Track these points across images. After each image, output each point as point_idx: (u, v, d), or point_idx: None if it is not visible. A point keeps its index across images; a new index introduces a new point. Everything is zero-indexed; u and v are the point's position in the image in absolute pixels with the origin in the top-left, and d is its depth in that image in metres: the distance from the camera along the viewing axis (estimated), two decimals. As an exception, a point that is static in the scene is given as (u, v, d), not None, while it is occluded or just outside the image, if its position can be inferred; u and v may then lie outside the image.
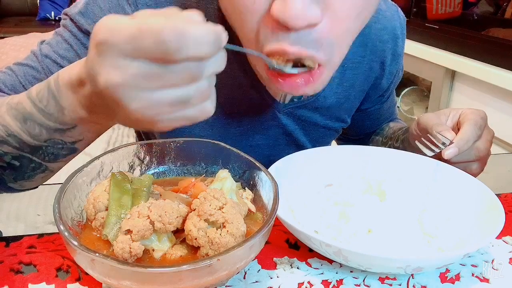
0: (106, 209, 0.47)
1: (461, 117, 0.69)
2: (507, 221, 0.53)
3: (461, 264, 0.56)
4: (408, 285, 0.52)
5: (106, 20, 0.37)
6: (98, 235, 0.46)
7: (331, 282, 0.52)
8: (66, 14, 0.64)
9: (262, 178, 0.52)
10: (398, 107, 2.41)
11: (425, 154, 0.67)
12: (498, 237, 0.59)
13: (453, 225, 0.58)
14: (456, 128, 0.69)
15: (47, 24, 3.66)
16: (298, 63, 0.53)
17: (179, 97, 0.38)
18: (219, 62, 0.40)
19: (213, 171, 0.57)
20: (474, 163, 0.69)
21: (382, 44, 0.78)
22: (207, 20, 0.66)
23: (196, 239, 0.44)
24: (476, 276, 0.54)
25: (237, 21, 0.53)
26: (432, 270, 0.54)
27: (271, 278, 0.52)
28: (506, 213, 0.54)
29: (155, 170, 0.58)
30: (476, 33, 1.96)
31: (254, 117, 0.73)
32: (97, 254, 0.38)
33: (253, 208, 0.52)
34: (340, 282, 0.52)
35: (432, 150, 0.66)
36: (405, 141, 0.81)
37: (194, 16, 0.38)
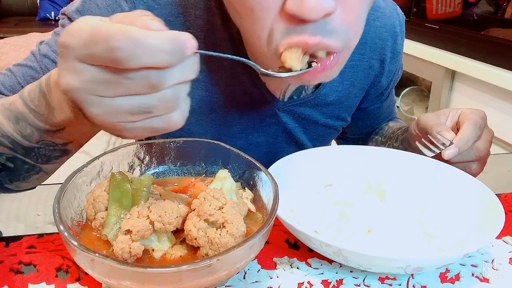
0: (106, 209, 0.47)
1: (460, 117, 0.69)
2: (507, 221, 0.53)
3: (461, 264, 0.56)
4: (408, 285, 0.52)
5: (75, 22, 0.37)
6: (98, 235, 0.46)
7: (331, 282, 0.52)
8: (63, 14, 0.65)
9: (262, 178, 0.52)
10: (398, 107, 2.41)
11: (425, 155, 0.67)
12: (498, 237, 0.59)
13: (453, 225, 0.58)
14: (456, 128, 0.69)
15: (47, 24, 3.66)
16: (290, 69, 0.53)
17: (139, 106, 0.37)
18: (186, 71, 0.38)
19: (213, 171, 0.57)
20: (473, 163, 0.69)
21: (382, 41, 0.79)
22: (205, 17, 0.66)
23: (196, 239, 0.44)
24: (476, 276, 0.54)
25: (248, 19, 0.52)
26: (432, 270, 0.54)
27: (271, 278, 0.52)
28: (506, 213, 0.54)
29: (155, 170, 0.58)
30: (476, 33, 1.96)
31: (254, 115, 0.73)
32: (97, 254, 0.38)
33: (253, 208, 0.52)
34: (340, 282, 0.52)
35: (432, 151, 0.66)
36: (405, 141, 0.81)
37: (153, 23, 0.36)
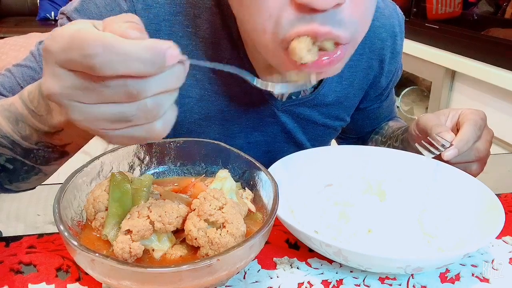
0: (106, 209, 0.47)
1: (460, 118, 0.69)
2: (507, 221, 0.53)
3: (461, 264, 0.56)
4: (408, 285, 0.52)
5: (63, 26, 0.37)
6: (98, 235, 0.46)
7: (331, 282, 0.52)
8: (62, 13, 0.64)
9: (262, 178, 0.52)
10: (398, 107, 2.41)
11: (424, 156, 0.68)
12: (498, 237, 0.59)
13: (453, 225, 0.58)
14: (456, 129, 0.69)
15: (47, 24, 3.66)
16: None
17: (117, 114, 0.37)
18: (168, 80, 0.37)
19: (213, 171, 0.57)
20: (474, 164, 0.69)
21: (381, 42, 0.78)
22: (204, 16, 0.65)
23: (196, 239, 0.44)
24: (476, 276, 0.54)
25: (253, 8, 0.51)
26: (432, 270, 0.54)
27: (271, 278, 0.52)
28: (506, 213, 0.54)
29: (155, 170, 0.58)
30: (476, 33, 1.96)
31: (253, 114, 0.73)
32: (97, 254, 0.38)
33: (253, 208, 0.52)
34: (340, 282, 0.52)
35: (432, 152, 0.66)
36: (405, 141, 0.81)
37: (132, 31, 0.36)
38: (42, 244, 0.55)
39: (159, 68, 0.35)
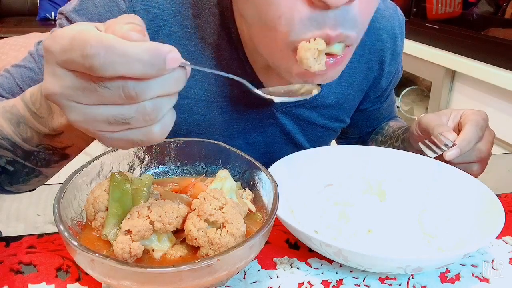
0: (106, 209, 0.47)
1: (462, 118, 0.69)
2: (507, 221, 0.53)
3: (461, 264, 0.56)
4: (408, 285, 0.52)
5: (64, 27, 0.37)
6: (98, 235, 0.46)
7: (331, 282, 0.52)
8: (61, 13, 0.64)
9: (262, 178, 0.52)
10: (398, 107, 2.41)
11: (427, 156, 0.68)
12: (498, 237, 0.59)
13: (453, 225, 0.58)
14: (457, 129, 0.69)
15: (47, 24, 3.65)
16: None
17: (116, 116, 0.36)
18: (168, 84, 0.37)
19: (213, 171, 0.57)
20: (475, 164, 0.69)
21: (381, 43, 0.78)
22: (203, 16, 0.65)
23: (196, 239, 0.44)
24: (476, 276, 0.54)
25: (263, 8, 0.51)
26: (432, 270, 0.54)
27: (271, 278, 0.52)
28: (506, 213, 0.54)
29: (155, 170, 0.58)
30: (476, 33, 1.96)
31: (252, 115, 0.73)
32: (97, 254, 0.38)
33: (253, 208, 0.52)
34: (340, 282, 0.52)
35: (435, 152, 0.66)
36: (405, 141, 0.81)
37: (133, 33, 0.36)
38: (42, 244, 0.55)
39: (158, 70, 0.35)
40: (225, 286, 0.50)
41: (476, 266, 0.55)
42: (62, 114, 0.47)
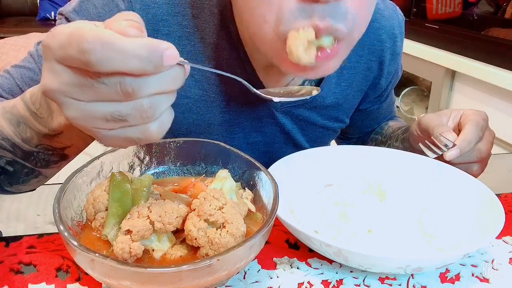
0: (106, 209, 0.47)
1: (462, 118, 0.69)
2: (507, 221, 0.53)
3: (461, 264, 0.56)
4: (408, 285, 0.52)
5: (64, 25, 0.37)
6: (98, 235, 0.46)
7: (331, 282, 0.52)
8: (61, 14, 0.64)
9: (262, 178, 0.52)
10: (398, 107, 2.41)
11: (427, 156, 0.68)
12: (498, 237, 0.59)
13: (453, 225, 0.58)
14: (457, 129, 0.69)
15: (47, 24, 3.66)
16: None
17: (113, 112, 0.36)
18: (165, 81, 0.37)
19: (213, 171, 0.57)
20: (475, 164, 0.69)
21: (380, 43, 0.78)
22: (203, 17, 0.65)
23: (196, 239, 0.44)
24: (476, 276, 0.54)
25: (253, 1, 0.52)
26: (432, 270, 0.54)
27: (271, 278, 0.52)
28: (506, 213, 0.54)
29: (155, 170, 0.58)
30: (476, 33, 1.96)
31: (252, 114, 0.73)
32: (97, 254, 0.38)
33: (253, 208, 0.52)
34: (340, 282, 0.52)
35: (435, 152, 0.66)
36: (405, 141, 0.81)
37: (130, 29, 0.36)
38: (42, 244, 0.55)
39: (156, 67, 0.35)
40: (225, 286, 0.50)
41: (476, 266, 0.55)
42: (62, 114, 0.47)
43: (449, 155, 0.64)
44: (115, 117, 0.37)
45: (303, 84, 0.74)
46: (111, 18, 0.37)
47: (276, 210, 0.46)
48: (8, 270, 0.51)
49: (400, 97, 2.48)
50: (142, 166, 0.57)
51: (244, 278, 0.51)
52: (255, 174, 0.54)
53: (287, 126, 0.77)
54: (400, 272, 0.50)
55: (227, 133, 0.74)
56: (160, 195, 0.50)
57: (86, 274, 0.44)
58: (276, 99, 0.52)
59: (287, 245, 0.58)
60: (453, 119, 0.71)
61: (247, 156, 0.54)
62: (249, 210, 0.51)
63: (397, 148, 0.83)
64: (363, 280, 0.52)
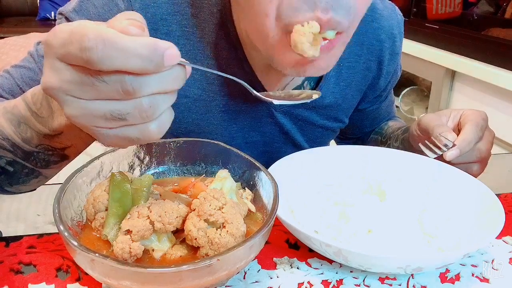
0: (106, 209, 0.47)
1: (462, 118, 0.69)
2: (507, 221, 0.53)
3: (461, 264, 0.56)
4: (408, 285, 0.52)
5: (65, 23, 0.37)
6: (98, 235, 0.46)
7: (331, 282, 0.52)
8: (61, 13, 0.65)
9: (262, 178, 0.52)
10: (397, 107, 2.41)
11: (427, 156, 0.68)
12: (498, 237, 0.59)
13: (453, 225, 0.58)
14: (457, 129, 0.69)
15: (47, 24, 3.65)
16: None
17: (113, 111, 0.36)
18: (166, 81, 0.37)
19: (213, 171, 0.57)
20: (475, 164, 0.69)
21: (379, 43, 0.78)
22: (202, 16, 0.65)
23: (196, 239, 0.44)
24: (476, 276, 0.54)
25: None
26: (432, 270, 0.54)
27: (271, 278, 0.52)
28: (506, 213, 0.54)
29: (155, 170, 0.58)
30: (476, 33, 1.96)
31: (251, 114, 0.73)
32: (97, 254, 0.38)
33: (253, 208, 0.52)
34: (340, 282, 0.52)
35: (435, 152, 0.66)
36: (405, 141, 0.81)
37: (132, 28, 0.36)
38: (42, 244, 0.55)
39: (156, 66, 0.35)
40: (225, 286, 0.50)
41: (476, 266, 0.55)
42: (62, 114, 0.47)
43: (449, 155, 0.64)
44: (115, 116, 0.37)
45: (302, 84, 0.74)
46: (114, 17, 0.37)
47: (276, 210, 0.46)
48: (8, 270, 0.51)
49: (400, 97, 2.48)
50: (142, 166, 0.57)
51: (244, 278, 0.51)
52: (255, 174, 0.54)
53: (286, 126, 0.77)
54: (400, 272, 0.50)
55: (226, 133, 0.74)
56: (160, 195, 0.50)
57: (86, 274, 0.44)
58: (276, 102, 0.52)
59: (287, 245, 0.58)
60: (453, 119, 0.71)
61: (247, 156, 0.55)
62: (249, 210, 0.51)
63: (397, 148, 0.83)
64: (363, 280, 0.52)
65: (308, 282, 0.51)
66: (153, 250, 0.45)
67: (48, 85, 0.37)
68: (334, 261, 0.54)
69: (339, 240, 0.55)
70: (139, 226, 0.43)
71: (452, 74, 2.08)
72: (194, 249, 0.45)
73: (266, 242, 0.48)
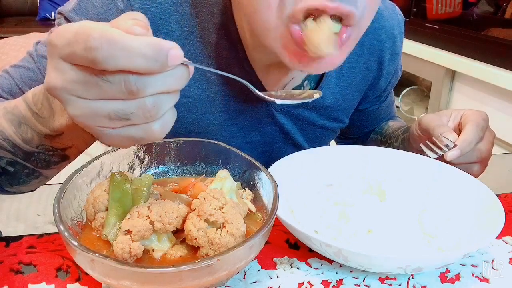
0: (106, 209, 0.47)
1: (462, 118, 0.69)
2: (507, 221, 0.53)
3: (461, 264, 0.56)
4: (408, 285, 0.52)
5: (69, 23, 0.37)
6: (98, 235, 0.46)
7: (331, 282, 0.52)
8: (60, 13, 0.65)
9: (262, 178, 0.52)
10: (397, 107, 2.41)
11: (428, 156, 0.68)
12: (498, 237, 0.58)
13: (453, 225, 0.58)
14: (458, 129, 0.69)
15: (47, 24, 3.65)
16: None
17: (117, 111, 0.37)
18: (170, 81, 0.37)
19: (213, 171, 0.57)
20: (475, 165, 0.69)
21: (380, 43, 0.78)
22: (201, 16, 0.65)
23: (196, 239, 0.44)
24: (476, 276, 0.54)
25: None
26: (432, 270, 0.54)
27: (271, 278, 0.52)
28: (506, 213, 0.54)
29: (155, 170, 0.58)
30: (476, 33, 1.96)
31: (251, 114, 0.73)
32: (97, 254, 0.38)
33: (253, 208, 0.52)
34: (340, 282, 0.52)
35: (436, 152, 0.66)
36: (405, 141, 0.81)
37: (136, 28, 0.36)
38: (42, 244, 0.55)
39: (160, 66, 0.36)
40: (225, 286, 0.50)
41: (476, 266, 0.55)
42: (63, 115, 0.47)
43: (450, 155, 0.64)
44: (118, 116, 0.37)
45: (302, 83, 0.74)
46: (118, 17, 0.38)
47: (276, 210, 0.46)
48: (8, 270, 0.51)
49: (400, 97, 2.48)
50: (142, 166, 0.57)
51: (244, 278, 0.51)
52: (255, 174, 0.54)
53: (286, 126, 0.77)
54: (400, 272, 0.50)
55: (226, 133, 0.74)
56: (160, 195, 0.50)
57: (86, 274, 0.44)
58: (278, 101, 0.52)
59: (287, 245, 0.58)
60: (453, 119, 0.71)
61: (247, 156, 0.55)
62: (249, 210, 0.51)
63: (397, 148, 0.83)
64: (363, 280, 0.52)
65: (308, 282, 0.51)
66: (153, 250, 0.45)
67: (52, 85, 0.37)
68: (334, 261, 0.54)
69: (339, 240, 0.55)
70: (139, 226, 0.43)
71: (452, 74, 2.08)
72: (194, 249, 0.46)
73: (266, 242, 0.48)
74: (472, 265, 0.56)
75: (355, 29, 0.54)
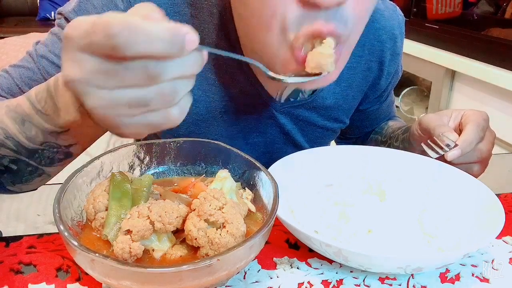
0: (106, 209, 0.47)
1: (463, 118, 0.69)
2: (507, 221, 0.53)
3: (461, 264, 0.56)
4: (408, 285, 0.52)
5: (84, 17, 0.37)
6: (98, 235, 0.46)
7: (331, 282, 0.52)
8: (60, 13, 0.64)
9: (262, 178, 0.52)
10: (397, 107, 2.41)
11: (429, 156, 0.68)
12: (498, 237, 0.58)
13: (453, 225, 0.58)
14: (458, 129, 0.69)
15: (47, 24, 3.65)
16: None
17: (137, 98, 0.37)
18: (186, 65, 0.38)
19: (213, 171, 0.57)
20: (475, 165, 0.69)
21: (380, 43, 0.78)
22: (201, 16, 0.65)
23: (196, 239, 0.44)
24: (476, 276, 0.54)
25: (256, 7, 0.52)
26: (432, 270, 0.54)
27: (271, 278, 0.52)
28: (506, 213, 0.54)
29: (155, 170, 0.58)
30: (476, 33, 1.96)
31: (251, 115, 0.73)
32: (97, 254, 0.38)
33: (253, 208, 0.52)
34: (340, 282, 0.52)
35: (437, 152, 0.66)
36: (405, 141, 0.81)
37: (154, 14, 0.37)
38: (42, 244, 0.55)
39: (178, 50, 0.36)
40: (225, 286, 0.50)
41: (476, 266, 0.55)
42: (69, 111, 0.47)
43: (451, 155, 0.64)
44: (138, 103, 0.37)
45: (298, 90, 0.74)
46: (133, 7, 0.38)
47: (276, 210, 0.46)
48: (8, 270, 0.51)
49: (400, 97, 2.48)
50: (142, 166, 0.57)
51: (244, 278, 0.51)
52: (255, 174, 0.54)
53: (287, 127, 0.77)
54: (400, 272, 0.50)
55: (227, 134, 0.74)
56: (160, 195, 0.50)
57: (86, 274, 0.44)
58: (289, 80, 0.53)
59: (287, 245, 0.58)
60: (454, 119, 0.71)
61: (247, 156, 0.55)
62: (249, 210, 0.51)
63: (397, 148, 0.83)
64: (363, 280, 0.52)
65: (308, 282, 0.51)
66: (153, 250, 0.45)
67: (71, 77, 0.37)
68: (334, 261, 0.54)
69: (339, 240, 0.55)
70: (139, 226, 0.43)
71: (452, 74, 2.08)
72: (194, 249, 0.46)
73: (266, 242, 0.48)
74: (472, 265, 0.56)
75: (345, 45, 0.55)
